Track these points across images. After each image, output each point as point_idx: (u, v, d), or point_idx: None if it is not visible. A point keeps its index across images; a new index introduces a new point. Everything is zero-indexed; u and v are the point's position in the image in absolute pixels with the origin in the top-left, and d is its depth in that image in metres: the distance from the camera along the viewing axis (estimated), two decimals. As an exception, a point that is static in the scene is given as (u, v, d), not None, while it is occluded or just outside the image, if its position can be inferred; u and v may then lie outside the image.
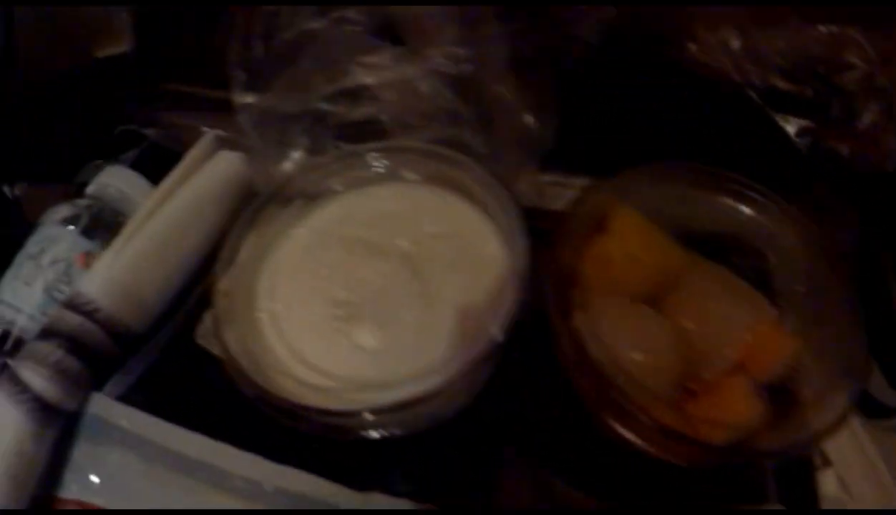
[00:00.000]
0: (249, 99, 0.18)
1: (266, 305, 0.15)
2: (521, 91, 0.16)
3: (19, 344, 0.18)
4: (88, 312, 0.15)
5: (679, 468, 0.13)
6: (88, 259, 0.19)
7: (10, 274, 0.19)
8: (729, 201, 0.16)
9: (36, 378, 0.14)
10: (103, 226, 0.20)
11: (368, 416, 0.12)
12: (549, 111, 0.16)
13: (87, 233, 0.19)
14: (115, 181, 0.22)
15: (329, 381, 0.13)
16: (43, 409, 0.14)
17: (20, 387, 0.14)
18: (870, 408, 0.18)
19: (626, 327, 0.13)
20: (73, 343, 0.15)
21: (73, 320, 0.15)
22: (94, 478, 0.14)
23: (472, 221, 0.16)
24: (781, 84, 0.21)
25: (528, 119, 0.17)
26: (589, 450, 0.15)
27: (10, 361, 0.15)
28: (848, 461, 0.17)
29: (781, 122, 0.21)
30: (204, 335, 0.15)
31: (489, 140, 0.16)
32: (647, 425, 0.12)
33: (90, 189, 0.22)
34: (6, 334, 0.19)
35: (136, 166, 0.27)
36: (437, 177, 0.16)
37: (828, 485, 0.17)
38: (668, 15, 0.21)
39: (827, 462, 0.17)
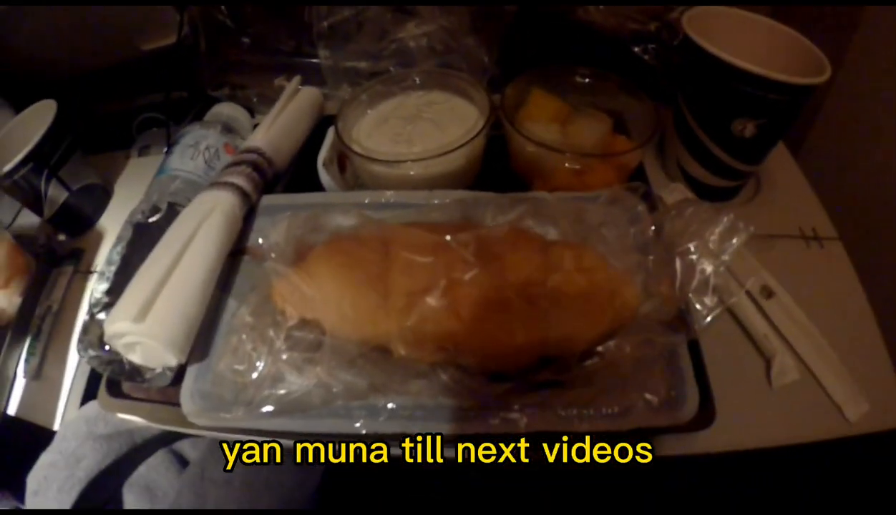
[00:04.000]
0: (327, 58, 0.42)
1: (359, 143, 0.38)
2: (479, 42, 0.41)
3: (173, 207, 0.39)
4: (261, 154, 0.37)
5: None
6: (228, 147, 0.41)
7: (177, 154, 0.41)
8: (607, 83, 0.41)
9: (238, 178, 0.36)
10: (229, 130, 0.42)
11: (413, 165, 0.35)
12: (494, 54, 0.42)
13: (223, 132, 0.42)
14: (224, 110, 0.44)
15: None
16: (243, 195, 0.36)
17: (230, 185, 0.35)
18: (706, 193, 0.42)
19: (543, 130, 0.37)
20: (254, 166, 0.37)
21: (252, 156, 0.37)
22: (271, 232, 0.35)
23: (463, 105, 0.41)
24: (632, 24, 0.47)
25: (483, 57, 0.43)
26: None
27: (217, 177, 0.36)
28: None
29: (635, 48, 0.47)
30: (324, 164, 0.37)
31: (464, 68, 0.41)
32: (573, 159, 0.35)
33: (209, 116, 0.45)
34: (155, 209, 0.40)
35: (195, 118, 0.50)
36: (442, 83, 0.41)
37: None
38: None
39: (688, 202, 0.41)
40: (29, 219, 0.56)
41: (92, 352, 0.36)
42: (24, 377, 0.46)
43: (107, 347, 0.35)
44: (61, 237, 0.54)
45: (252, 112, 0.49)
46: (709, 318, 0.30)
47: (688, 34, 0.39)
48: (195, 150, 0.40)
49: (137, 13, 0.54)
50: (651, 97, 0.43)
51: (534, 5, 0.46)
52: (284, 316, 0.29)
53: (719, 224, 0.30)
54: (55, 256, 0.52)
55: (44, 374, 0.46)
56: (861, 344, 0.38)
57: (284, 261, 0.29)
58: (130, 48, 0.56)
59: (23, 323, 0.49)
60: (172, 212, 0.37)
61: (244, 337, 0.29)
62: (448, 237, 0.26)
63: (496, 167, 0.40)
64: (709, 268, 0.29)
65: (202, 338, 0.33)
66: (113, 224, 0.52)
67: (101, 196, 0.54)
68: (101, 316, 0.37)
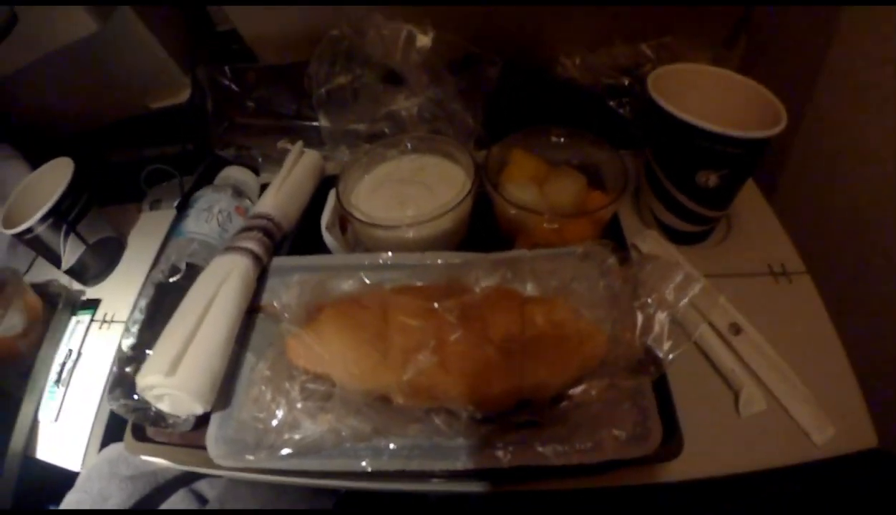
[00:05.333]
0: (326, 123, 0.50)
1: (358, 208, 0.45)
2: (465, 107, 0.49)
3: (191, 267, 0.47)
4: (269, 219, 0.45)
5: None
6: (238, 209, 0.48)
7: (192, 218, 0.49)
8: (581, 141, 0.49)
9: (251, 243, 0.44)
10: (239, 193, 0.50)
11: (407, 229, 0.43)
12: (478, 117, 0.49)
13: (234, 196, 0.49)
14: (233, 173, 0.52)
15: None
16: (256, 259, 0.43)
17: (244, 250, 0.43)
18: (678, 238, 0.50)
19: (522, 191, 0.45)
20: (264, 231, 0.45)
21: (262, 222, 0.45)
22: (284, 294, 0.42)
23: (451, 167, 0.49)
24: (607, 79, 0.55)
25: (469, 120, 0.50)
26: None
27: (231, 242, 0.44)
28: (656, 252, 0.48)
29: (610, 100, 0.55)
30: (327, 227, 0.44)
31: (452, 131, 0.49)
32: (551, 218, 0.43)
33: (218, 179, 0.52)
34: (175, 269, 0.47)
35: (203, 174, 0.58)
36: (433, 148, 0.49)
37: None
38: (542, 51, 0.55)
39: (648, 258, 0.48)
40: (47, 268, 0.64)
41: (122, 401, 0.44)
42: (45, 420, 0.53)
43: (135, 396, 0.43)
44: (78, 286, 0.61)
45: (257, 171, 0.57)
46: (670, 357, 0.37)
47: (650, 95, 0.47)
48: (209, 214, 0.48)
49: (147, 74, 0.62)
50: (628, 147, 0.52)
51: (516, 61, 0.54)
52: (298, 371, 0.36)
53: (675, 278, 0.37)
54: (73, 305, 0.60)
55: (64, 418, 0.53)
56: (828, 370, 0.44)
57: (297, 322, 0.37)
58: (139, 106, 0.65)
59: (43, 369, 0.56)
60: (191, 272, 0.45)
61: (263, 388, 0.36)
62: (436, 304, 0.33)
63: (483, 223, 0.48)
64: (665, 319, 0.36)
65: (223, 389, 0.40)
66: (127, 274, 0.60)
67: (115, 248, 0.61)
68: (128, 369, 0.45)
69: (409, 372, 0.33)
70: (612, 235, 0.50)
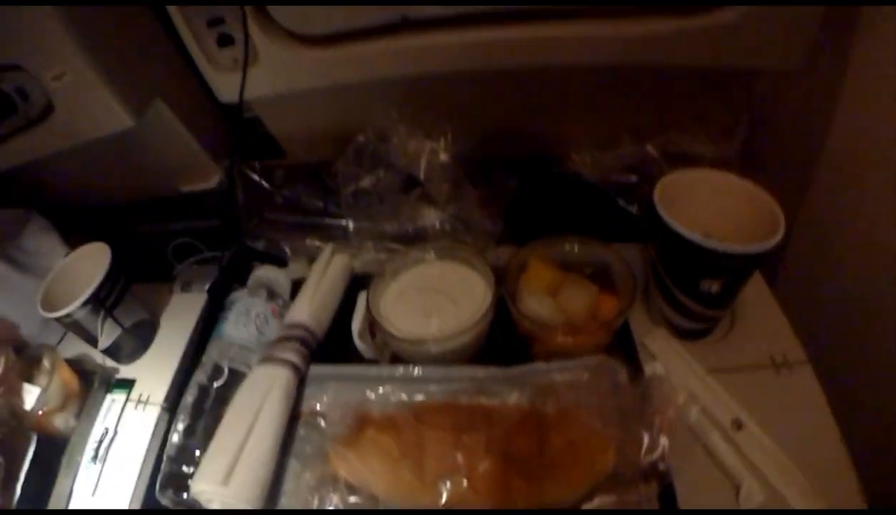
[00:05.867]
0: (353, 223, 0.56)
1: (386, 317, 0.52)
2: (484, 214, 0.55)
3: (233, 372, 0.53)
4: (305, 328, 0.51)
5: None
6: (273, 310, 0.55)
7: (231, 323, 0.54)
8: (593, 248, 0.55)
9: (290, 354, 0.50)
10: (272, 293, 0.56)
11: (433, 344, 0.49)
12: (498, 222, 0.56)
13: (268, 298, 0.56)
14: (264, 273, 0.58)
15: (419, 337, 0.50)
16: (295, 370, 0.49)
17: (284, 361, 0.49)
18: (685, 335, 0.56)
19: (538, 304, 0.51)
20: (301, 341, 0.51)
21: (299, 332, 0.51)
22: (317, 402, 0.48)
23: (470, 274, 0.56)
24: (616, 177, 0.61)
25: (489, 226, 0.57)
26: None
27: (269, 351, 0.50)
28: (666, 355, 0.54)
29: (619, 198, 0.61)
30: (359, 335, 0.51)
31: (471, 236, 0.55)
32: (565, 330, 0.49)
33: (252, 281, 0.59)
34: (218, 369, 0.53)
35: (231, 262, 0.65)
36: (454, 256, 0.56)
37: (652, 369, 0.53)
38: (553, 149, 0.62)
39: (654, 357, 0.54)
40: (79, 342, 0.70)
41: (171, 496, 0.50)
42: (82, 495, 0.59)
43: (184, 495, 0.49)
44: (111, 363, 0.67)
45: (286, 263, 0.63)
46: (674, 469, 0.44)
47: (656, 208, 0.53)
48: (247, 318, 0.54)
49: (178, 162, 0.68)
50: (637, 240, 0.58)
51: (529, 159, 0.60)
52: (341, 483, 0.42)
53: (676, 401, 0.44)
54: (108, 383, 0.66)
55: (100, 493, 0.59)
56: (825, 456, 0.50)
57: (339, 439, 0.43)
58: (170, 188, 0.71)
59: (80, 444, 0.62)
60: (233, 378, 0.51)
61: (309, 498, 0.42)
62: (465, 438, 0.40)
63: (503, 324, 0.54)
64: (666, 441, 0.43)
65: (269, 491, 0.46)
66: (160, 355, 0.66)
67: (149, 330, 0.67)
68: (177, 468, 0.51)
69: (444, 494, 0.39)
70: (623, 334, 0.56)
